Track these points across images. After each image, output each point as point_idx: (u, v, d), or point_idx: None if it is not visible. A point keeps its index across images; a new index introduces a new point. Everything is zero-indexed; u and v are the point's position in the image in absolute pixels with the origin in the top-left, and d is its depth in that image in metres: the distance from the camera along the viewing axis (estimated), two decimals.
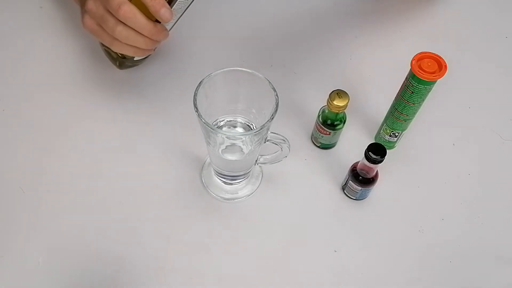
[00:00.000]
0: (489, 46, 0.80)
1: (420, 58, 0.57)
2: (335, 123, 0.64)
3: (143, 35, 0.56)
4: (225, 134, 0.55)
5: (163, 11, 0.53)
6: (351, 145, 0.68)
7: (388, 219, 0.64)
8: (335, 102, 0.60)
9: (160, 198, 0.65)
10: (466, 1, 0.84)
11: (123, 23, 0.55)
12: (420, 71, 0.56)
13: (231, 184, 0.65)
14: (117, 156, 0.67)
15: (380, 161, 0.57)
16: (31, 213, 0.63)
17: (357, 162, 0.61)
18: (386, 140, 0.67)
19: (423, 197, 0.66)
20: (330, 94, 0.61)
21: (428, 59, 0.56)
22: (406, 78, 0.59)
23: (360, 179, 0.61)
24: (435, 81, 0.56)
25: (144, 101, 0.72)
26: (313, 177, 0.67)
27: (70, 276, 0.59)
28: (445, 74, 0.55)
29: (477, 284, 0.60)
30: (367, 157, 0.57)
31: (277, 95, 0.52)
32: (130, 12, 0.54)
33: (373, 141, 0.68)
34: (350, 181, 0.62)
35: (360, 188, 0.62)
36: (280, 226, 0.63)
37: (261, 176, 0.67)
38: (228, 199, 0.65)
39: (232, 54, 0.72)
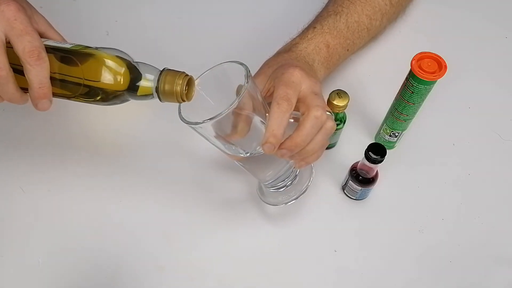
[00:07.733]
0: (489, 46, 0.80)
1: (420, 58, 0.57)
2: (335, 123, 0.64)
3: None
4: (212, 120, 0.48)
5: (41, 103, 0.48)
6: (351, 145, 0.68)
7: (388, 219, 0.64)
8: (335, 102, 0.60)
9: (159, 197, 0.65)
10: (466, 1, 0.84)
11: None
12: (420, 71, 0.56)
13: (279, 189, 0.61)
14: (123, 155, 0.68)
15: (380, 161, 0.57)
16: (31, 213, 0.63)
17: (357, 162, 0.61)
18: (386, 140, 0.67)
19: (423, 197, 0.66)
20: (330, 94, 0.61)
21: (428, 59, 0.56)
22: (406, 78, 0.58)
23: (360, 179, 0.61)
24: (435, 81, 0.56)
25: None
26: (313, 177, 0.67)
27: (70, 276, 0.59)
28: (445, 74, 0.55)
29: (477, 284, 0.60)
30: (367, 157, 0.57)
31: (245, 65, 0.50)
32: (2, 79, 0.47)
33: (373, 141, 0.68)
34: (350, 181, 0.62)
35: (360, 188, 0.62)
36: (279, 226, 0.63)
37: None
38: None
39: (233, 54, 0.72)
